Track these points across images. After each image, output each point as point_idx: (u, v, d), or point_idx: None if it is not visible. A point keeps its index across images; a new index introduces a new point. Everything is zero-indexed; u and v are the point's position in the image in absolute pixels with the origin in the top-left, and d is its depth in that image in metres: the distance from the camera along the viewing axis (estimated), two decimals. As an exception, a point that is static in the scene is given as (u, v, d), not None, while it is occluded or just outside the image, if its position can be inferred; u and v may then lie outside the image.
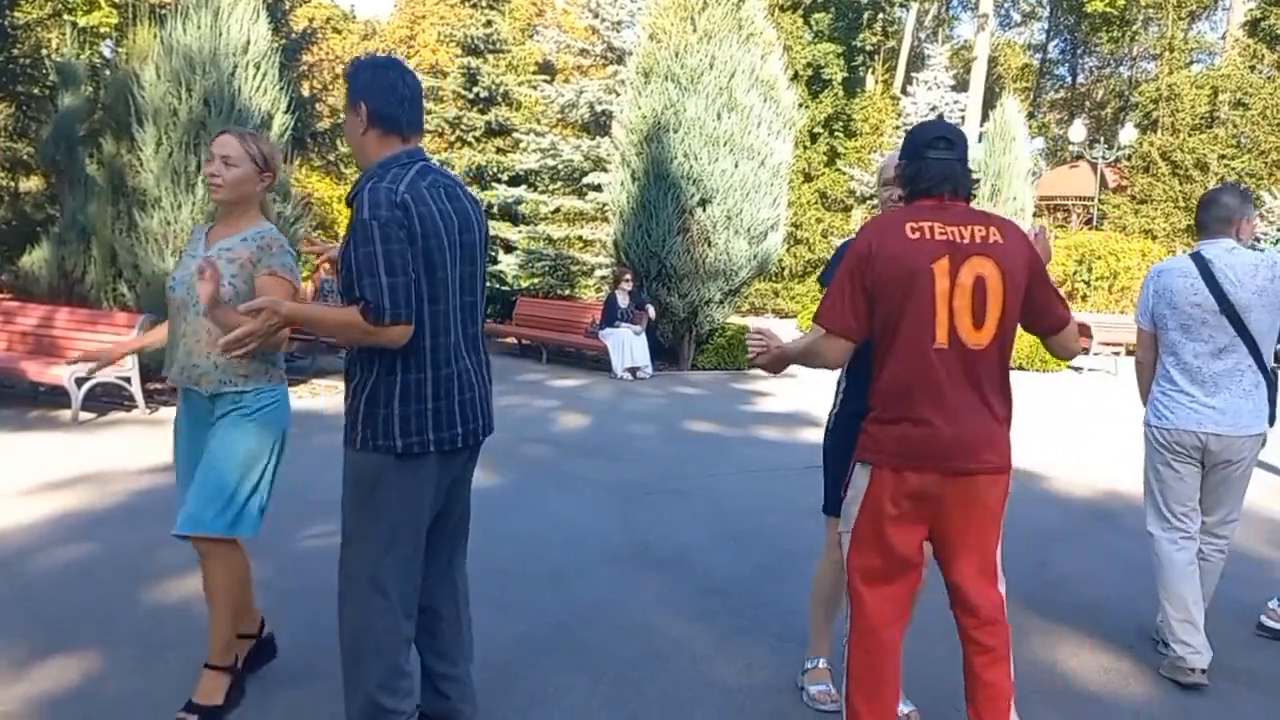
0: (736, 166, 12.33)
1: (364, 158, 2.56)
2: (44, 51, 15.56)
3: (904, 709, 3.09)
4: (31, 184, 15.43)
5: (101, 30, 20.71)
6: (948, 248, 2.47)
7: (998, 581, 2.65)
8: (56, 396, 8.30)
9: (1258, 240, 16.57)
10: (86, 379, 7.87)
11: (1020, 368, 14.05)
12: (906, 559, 2.60)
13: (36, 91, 14.51)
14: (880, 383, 2.58)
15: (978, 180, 2.68)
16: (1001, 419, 2.55)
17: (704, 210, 12.30)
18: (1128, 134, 24.70)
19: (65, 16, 18.03)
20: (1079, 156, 28.82)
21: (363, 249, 2.34)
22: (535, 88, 18.33)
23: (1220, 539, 3.71)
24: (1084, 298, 18.18)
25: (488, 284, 18.25)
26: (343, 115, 2.62)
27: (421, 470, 2.50)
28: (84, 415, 7.86)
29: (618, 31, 17.28)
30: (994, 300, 2.46)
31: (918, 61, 32.64)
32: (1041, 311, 2.57)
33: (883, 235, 2.53)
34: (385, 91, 2.50)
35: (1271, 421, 3.61)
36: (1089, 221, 25.79)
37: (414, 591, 2.60)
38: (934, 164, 2.55)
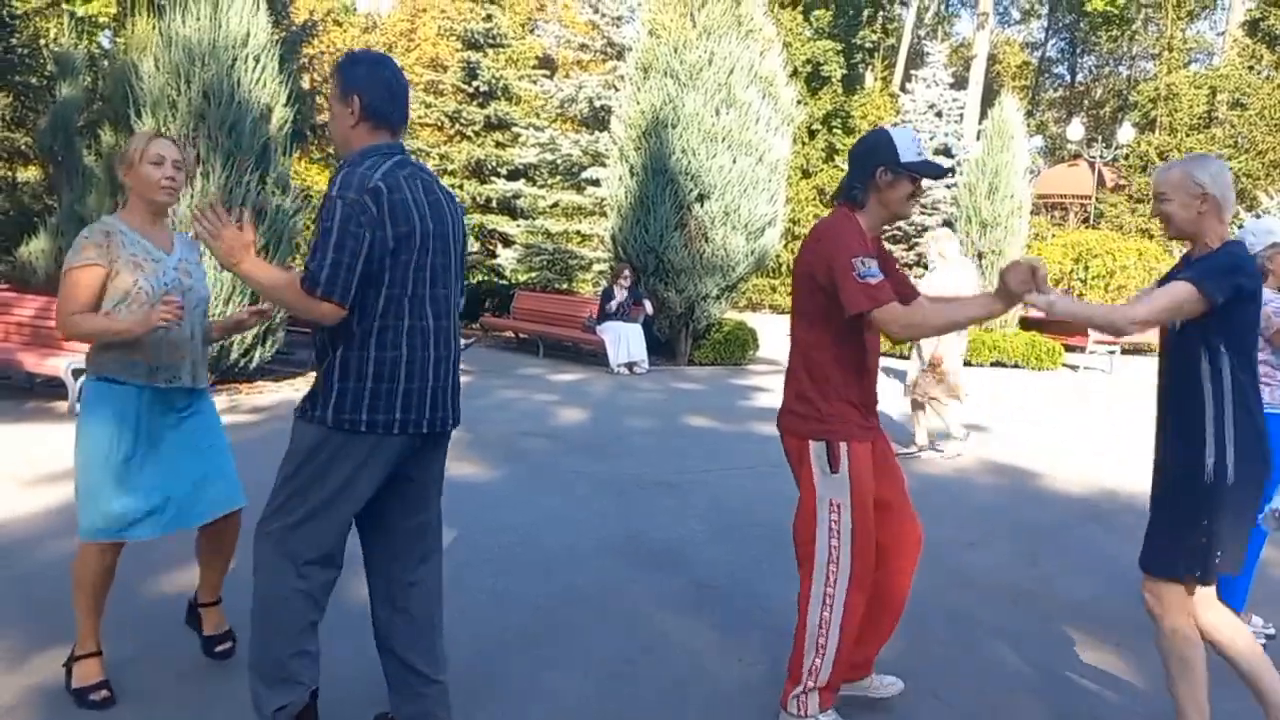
0: (734, 162, 12.35)
1: (348, 149, 2.60)
2: (42, 41, 15.53)
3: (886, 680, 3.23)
4: (29, 174, 15.44)
5: (100, 20, 20.68)
6: None
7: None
8: (53, 388, 8.30)
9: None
10: (83, 371, 7.87)
11: (1016, 365, 14.08)
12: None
13: (34, 81, 14.49)
14: None
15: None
16: (795, 393, 2.95)
17: (702, 206, 12.31)
18: (1125, 133, 24.70)
19: (64, 6, 17.98)
20: (1077, 155, 28.82)
21: (323, 224, 2.41)
22: (535, 82, 18.30)
23: None
24: (1080, 295, 18.20)
25: (486, 278, 17.95)
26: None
27: (353, 448, 2.51)
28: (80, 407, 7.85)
29: (618, 27, 17.27)
30: (794, 294, 2.98)
31: (917, 59, 32.62)
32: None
33: None
34: (380, 86, 2.55)
35: None
36: (1086, 220, 25.80)
37: (330, 571, 2.62)
38: None
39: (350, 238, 2.39)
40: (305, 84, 15.86)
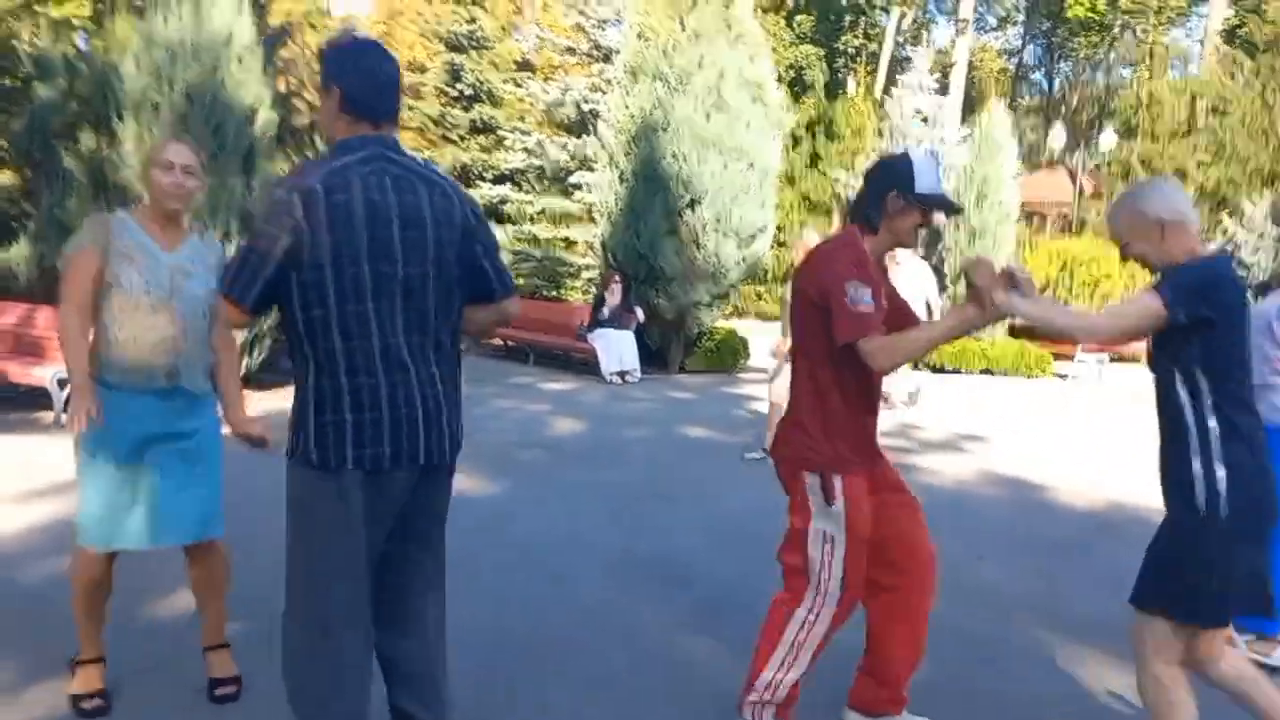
0: (725, 168, 12.26)
1: (332, 143, 2.39)
2: (15, 43, 15.23)
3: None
4: (6, 179, 15.12)
5: (74, 23, 20.34)
6: None
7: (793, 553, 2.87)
8: (38, 398, 8.08)
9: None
10: (69, 380, 7.67)
11: (1005, 373, 14.08)
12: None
13: (9, 83, 14.21)
14: None
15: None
16: (793, 421, 2.85)
17: (693, 212, 12.22)
18: (1108, 139, 24.84)
19: (37, 8, 17.66)
20: (1052, 162, 28.97)
21: None
22: (520, 85, 18.18)
23: None
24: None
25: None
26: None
27: (343, 488, 2.26)
28: (66, 417, 7.65)
29: (603, 30, 17.18)
30: (793, 319, 2.91)
31: (899, 65, 32.77)
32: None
33: None
34: (363, 76, 2.32)
35: None
36: (1065, 228, 25.94)
37: (363, 628, 2.37)
38: None
39: (264, 237, 2.19)
40: (281, 87, 15.63)
